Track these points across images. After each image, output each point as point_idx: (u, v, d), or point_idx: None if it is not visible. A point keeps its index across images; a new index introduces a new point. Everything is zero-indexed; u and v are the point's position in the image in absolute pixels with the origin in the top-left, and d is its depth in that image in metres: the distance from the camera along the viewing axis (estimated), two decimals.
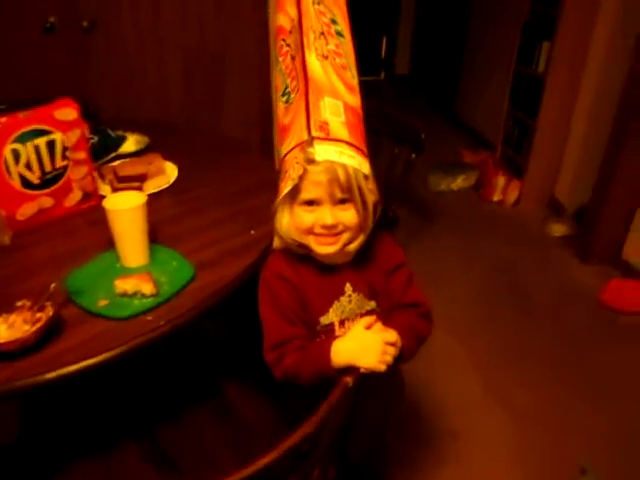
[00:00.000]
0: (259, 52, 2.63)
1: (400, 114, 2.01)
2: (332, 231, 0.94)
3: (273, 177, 1.50)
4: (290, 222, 0.98)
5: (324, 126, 0.89)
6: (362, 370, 0.87)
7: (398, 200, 1.91)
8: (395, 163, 1.89)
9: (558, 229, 2.94)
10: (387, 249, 1.07)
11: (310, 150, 0.87)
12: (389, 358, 0.89)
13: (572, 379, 2.02)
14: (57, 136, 1.24)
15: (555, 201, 3.16)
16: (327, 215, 0.93)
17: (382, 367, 0.88)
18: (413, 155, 1.91)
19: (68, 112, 1.25)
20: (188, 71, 2.58)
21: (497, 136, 3.60)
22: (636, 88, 2.33)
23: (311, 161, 0.88)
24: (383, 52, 5.86)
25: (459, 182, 3.46)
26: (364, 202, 0.94)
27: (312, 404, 0.78)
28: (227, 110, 2.74)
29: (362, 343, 0.90)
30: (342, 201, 0.93)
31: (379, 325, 0.93)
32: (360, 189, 0.92)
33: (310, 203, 0.93)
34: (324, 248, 0.97)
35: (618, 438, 1.78)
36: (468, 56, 4.31)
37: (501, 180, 3.28)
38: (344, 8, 1.00)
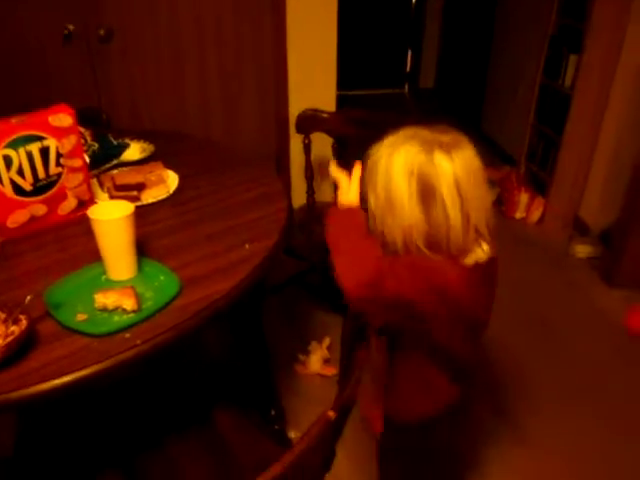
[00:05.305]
0: (276, 68, 2.59)
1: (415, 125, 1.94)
2: None
3: (277, 189, 1.47)
4: None
5: None
6: None
7: None
8: None
9: (583, 250, 2.81)
10: None
11: None
12: None
13: (591, 410, 1.90)
14: (51, 142, 1.21)
15: (580, 220, 3.03)
16: None
17: None
18: None
19: (63, 118, 1.21)
20: (204, 84, 2.55)
21: (521, 151, 3.50)
22: None
23: None
24: (408, 65, 5.81)
25: None
26: None
27: None
28: (243, 123, 2.70)
29: None
30: None
31: None
32: None
33: None
34: None
35: (633, 475, 1.66)
36: (493, 69, 4.22)
37: (524, 197, 3.17)
38: None
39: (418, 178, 0.87)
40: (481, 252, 0.92)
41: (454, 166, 0.86)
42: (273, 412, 1.70)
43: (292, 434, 1.71)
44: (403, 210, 0.90)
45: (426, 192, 0.87)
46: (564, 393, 1.97)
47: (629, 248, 2.48)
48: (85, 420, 1.28)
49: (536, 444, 1.76)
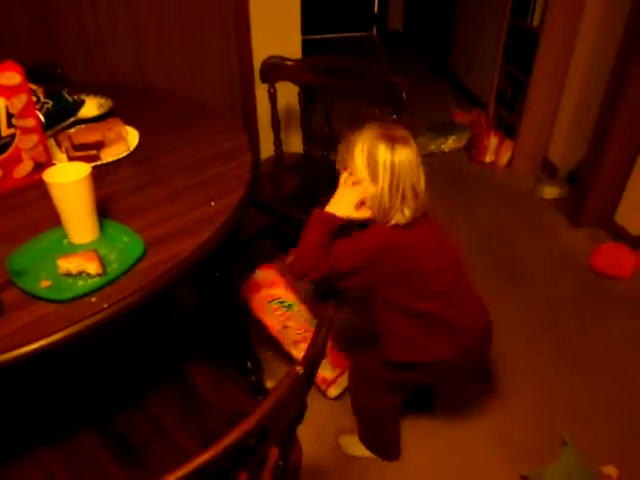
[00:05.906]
0: (237, 14, 2.48)
1: (381, 71, 1.91)
2: None
3: (241, 143, 1.44)
4: None
5: None
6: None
7: None
8: None
9: (550, 192, 2.86)
10: None
11: None
12: None
13: (557, 349, 1.98)
14: (0, 102, 1.15)
15: (548, 163, 3.06)
16: None
17: None
18: (394, 116, 1.82)
19: (11, 76, 1.15)
20: (164, 33, 2.45)
21: (490, 94, 3.48)
22: (635, 36, 2.21)
23: None
24: (376, 7, 5.64)
25: (450, 143, 3.35)
26: None
27: None
28: (206, 74, 2.61)
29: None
30: None
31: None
32: None
33: None
34: None
35: (601, 408, 1.75)
36: (461, 9, 4.13)
37: (493, 141, 3.18)
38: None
39: (367, 156, 1.18)
40: (400, 217, 1.18)
41: (394, 153, 1.15)
42: (249, 364, 1.73)
43: (269, 384, 1.75)
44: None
45: (370, 166, 1.18)
46: (532, 333, 2.04)
47: (594, 188, 2.52)
48: (59, 381, 1.28)
49: (504, 386, 1.83)
